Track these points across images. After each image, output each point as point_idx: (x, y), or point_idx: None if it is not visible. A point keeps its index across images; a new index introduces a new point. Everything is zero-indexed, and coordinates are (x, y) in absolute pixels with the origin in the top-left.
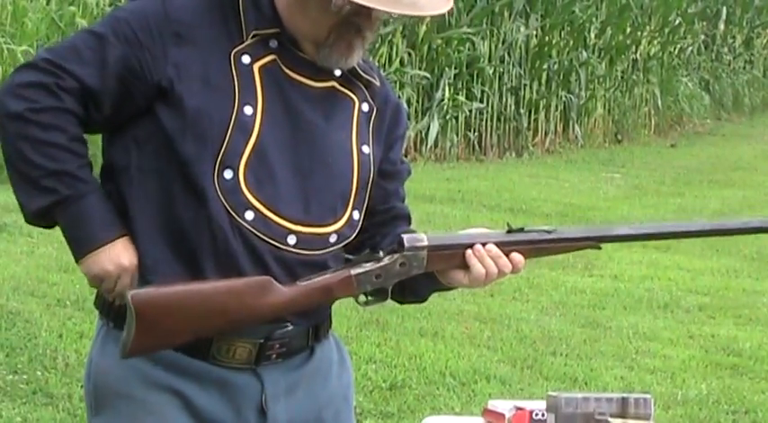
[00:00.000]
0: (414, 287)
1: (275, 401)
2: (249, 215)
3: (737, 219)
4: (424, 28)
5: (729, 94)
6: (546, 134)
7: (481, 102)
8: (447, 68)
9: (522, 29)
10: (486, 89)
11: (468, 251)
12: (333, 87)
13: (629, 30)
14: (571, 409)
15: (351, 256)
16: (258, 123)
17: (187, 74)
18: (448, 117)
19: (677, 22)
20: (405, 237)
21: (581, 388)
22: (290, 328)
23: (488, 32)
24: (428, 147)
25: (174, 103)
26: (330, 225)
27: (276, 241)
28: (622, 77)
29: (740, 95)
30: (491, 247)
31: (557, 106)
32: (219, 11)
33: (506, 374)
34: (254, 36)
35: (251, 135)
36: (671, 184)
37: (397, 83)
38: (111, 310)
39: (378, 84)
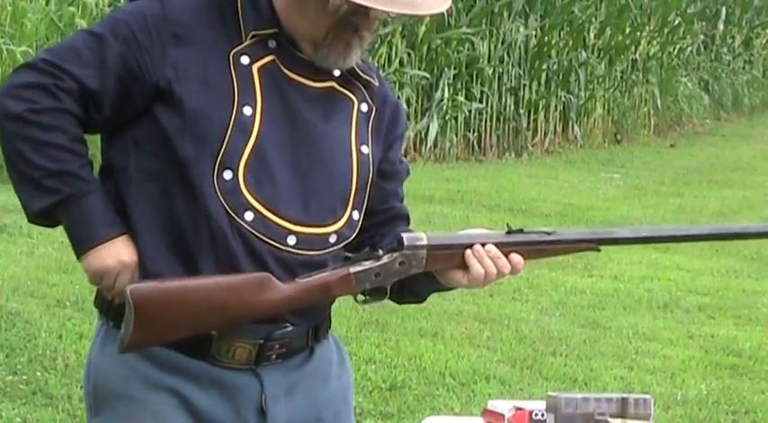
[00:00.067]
0: (413, 287)
1: (275, 402)
2: (249, 216)
3: (737, 221)
4: (423, 28)
5: (729, 94)
6: (545, 134)
7: (480, 102)
8: (446, 69)
9: (522, 29)
10: (486, 89)
11: (468, 251)
12: (332, 87)
13: (628, 30)
14: (571, 410)
15: (350, 255)
16: (257, 124)
17: (186, 75)
18: (447, 117)
19: (676, 22)
20: (404, 236)
21: (581, 388)
22: (290, 328)
23: (488, 33)
24: (427, 147)
25: (173, 103)
26: (330, 225)
27: (276, 242)
28: (622, 78)
29: (740, 95)
30: (490, 247)
31: (556, 106)
32: (218, 11)
33: (506, 375)
34: (252, 37)
35: (250, 136)
36: (670, 184)
37: (397, 83)
38: (111, 309)
39: (376, 84)
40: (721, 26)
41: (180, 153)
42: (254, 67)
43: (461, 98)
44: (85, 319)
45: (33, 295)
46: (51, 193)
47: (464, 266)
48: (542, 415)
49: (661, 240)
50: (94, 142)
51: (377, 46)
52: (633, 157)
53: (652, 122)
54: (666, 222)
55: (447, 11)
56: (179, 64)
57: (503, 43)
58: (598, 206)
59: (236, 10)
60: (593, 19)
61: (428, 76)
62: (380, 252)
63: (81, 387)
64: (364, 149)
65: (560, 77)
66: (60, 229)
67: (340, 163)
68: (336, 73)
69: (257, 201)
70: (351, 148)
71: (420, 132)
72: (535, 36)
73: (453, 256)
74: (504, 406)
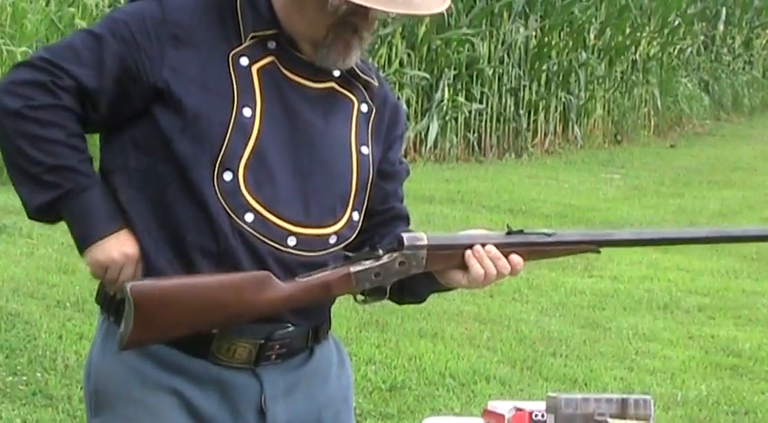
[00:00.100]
0: (412, 287)
1: (274, 402)
2: (249, 217)
3: (737, 221)
4: (423, 29)
5: (729, 94)
6: (545, 135)
7: (481, 103)
8: (446, 69)
9: (522, 30)
10: (486, 90)
11: (468, 252)
12: (332, 88)
13: (628, 30)
14: (571, 410)
15: (350, 254)
16: (257, 125)
17: (185, 76)
18: (447, 118)
19: (677, 22)
20: (404, 235)
21: (581, 389)
22: (291, 328)
23: (488, 33)
24: (427, 147)
25: (172, 104)
26: (330, 226)
27: (276, 243)
28: (622, 78)
29: (740, 96)
30: (490, 248)
31: (556, 107)
32: (217, 12)
33: (506, 375)
34: (252, 38)
35: (250, 137)
36: (670, 184)
37: (397, 84)
38: (113, 304)
39: (376, 84)
40: (721, 27)
41: (179, 154)
42: (254, 68)
43: (461, 99)
44: (85, 320)
45: (33, 296)
46: (51, 187)
47: (464, 267)
48: (542, 415)
49: (661, 243)
50: (94, 143)
51: (377, 46)
52: (633, 157)
53: (652, 123)
54: (666, 223)
55: (447, 11)
56: (178, 65)
57: (503, 44)
58: (598, 207)
59: (235, 11)
60: (594, 19)
61: (428, 76)
62: (380, 252)
63: (81, 388)
64: (364, 150)
65: (560, 78)
66: (60, 229)
67: (340, 163)
68: (336, 73)
69: (257, 202)
70: (351, 149)
71: (420, 133)
72: (535, 37)
73: (453, 256)
74: (504, 406)
